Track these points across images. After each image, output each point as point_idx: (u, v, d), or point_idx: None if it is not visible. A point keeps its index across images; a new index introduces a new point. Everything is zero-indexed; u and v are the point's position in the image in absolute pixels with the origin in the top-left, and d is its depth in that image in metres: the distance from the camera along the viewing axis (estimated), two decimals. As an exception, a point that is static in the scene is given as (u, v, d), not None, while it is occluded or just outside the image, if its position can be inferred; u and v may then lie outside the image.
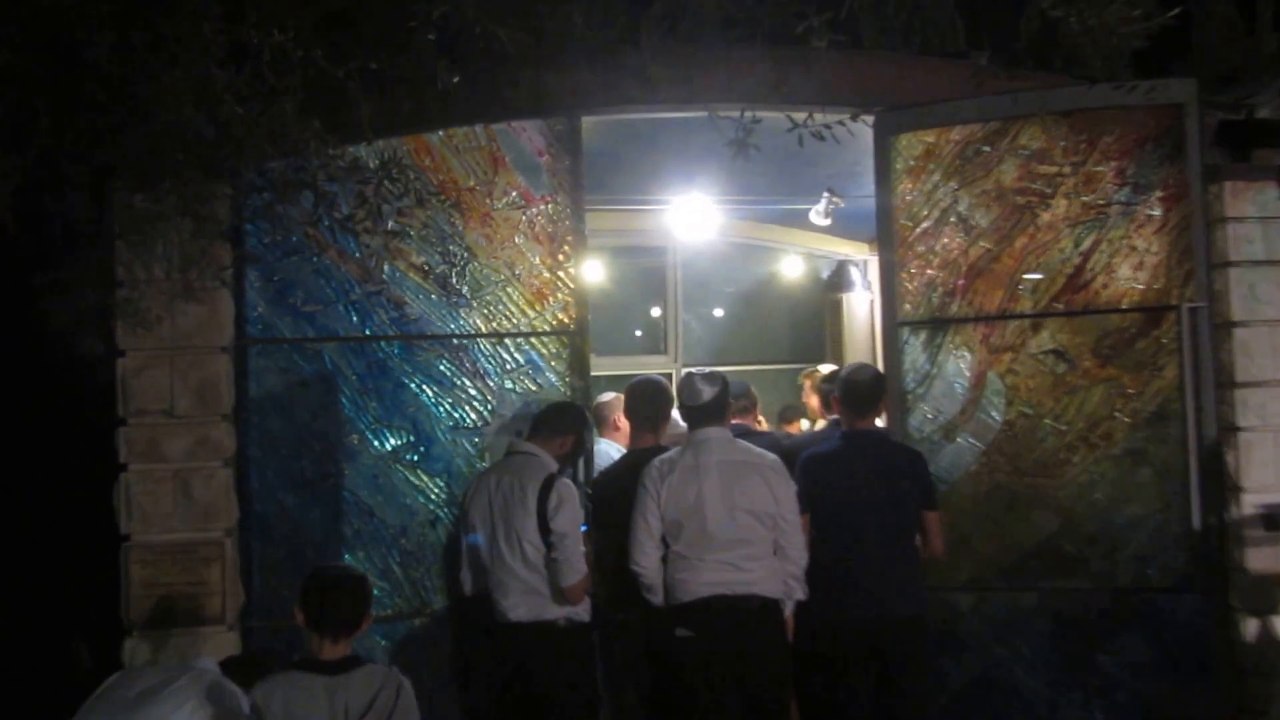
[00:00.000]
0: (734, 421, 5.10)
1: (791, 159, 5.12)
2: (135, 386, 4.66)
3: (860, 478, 4.57)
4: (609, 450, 5.55)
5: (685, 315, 8.62)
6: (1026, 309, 4.98)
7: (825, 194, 7.11)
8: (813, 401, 6.77)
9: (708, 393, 4.46)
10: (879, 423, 5.00)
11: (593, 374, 5.15)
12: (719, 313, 9.27)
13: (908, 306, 5.15)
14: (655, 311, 8.80)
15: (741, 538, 4.26)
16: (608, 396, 5.88)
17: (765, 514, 4.30)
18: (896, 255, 5.16)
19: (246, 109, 3.78)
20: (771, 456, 4.45)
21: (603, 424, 5.79)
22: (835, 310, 8.85)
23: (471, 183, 5.02)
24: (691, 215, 7.48)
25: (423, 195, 4.74)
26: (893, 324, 5.17)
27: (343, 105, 4.01)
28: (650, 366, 7.81)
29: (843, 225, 7.86)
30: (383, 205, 4.33)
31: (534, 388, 5.06)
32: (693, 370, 4.58)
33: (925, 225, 5.12)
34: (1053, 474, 4.91)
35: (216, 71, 3.71)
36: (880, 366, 5.16)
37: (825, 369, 6.89)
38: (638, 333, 8.99)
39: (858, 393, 4.71)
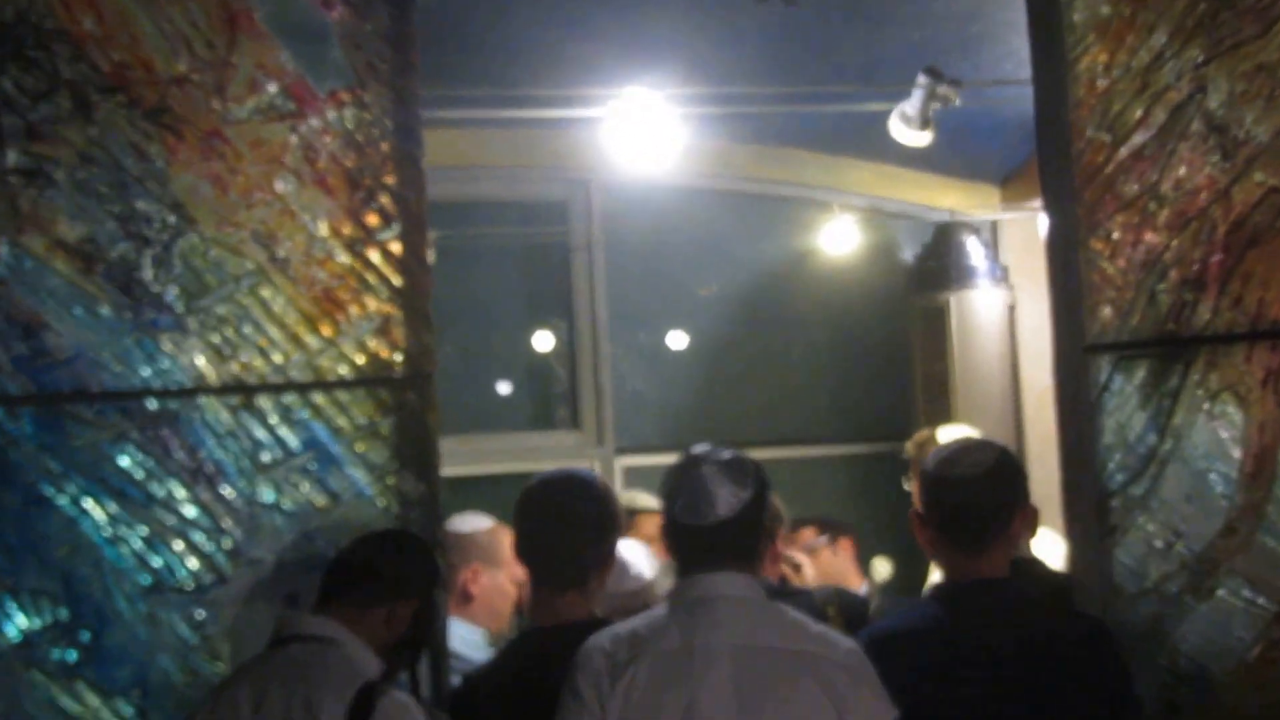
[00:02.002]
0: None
1: (842, 9, 5.26)
2: None
3: (980, 680, 4.61)
4: (465, 639, 5.63)
5: (616, 346, 8.78)
6: (1356, 314, 5.16)
7: (922, 78, 7.19)
8: None
9: (732, 499, 4.44)
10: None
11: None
12: (682, 340, 9.41)
13: (1107, 311, 5.31)
14: (545, 341, 8.92)
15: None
16: (465, 525, 5.98)
17: (827, 756, 4.37)
18: (1080, 205, 5.33)
19: None
20: (845, 644, 4.45)
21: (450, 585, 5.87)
22: (935, 324, 9.09)
23: (183, 66, 5.10)
24: (631, 133, 7.60)
25: (84, 94, 4.83)
26: (1074, 350, 5.34)
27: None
28: (546, 455, 7.96)
29: (952, 147, 8.08)
30: (2, 117, 4.37)
31: (322, 501, 5.15)
32: (698, 452, 4.55)
33: (1139, 139, 5.28)
34: None
35: None
36: (1032, 435, 5.24)
37: (951, 433, 7.00)
38: (503, 388, 9.09)
39: (963, 504, 4.75)
